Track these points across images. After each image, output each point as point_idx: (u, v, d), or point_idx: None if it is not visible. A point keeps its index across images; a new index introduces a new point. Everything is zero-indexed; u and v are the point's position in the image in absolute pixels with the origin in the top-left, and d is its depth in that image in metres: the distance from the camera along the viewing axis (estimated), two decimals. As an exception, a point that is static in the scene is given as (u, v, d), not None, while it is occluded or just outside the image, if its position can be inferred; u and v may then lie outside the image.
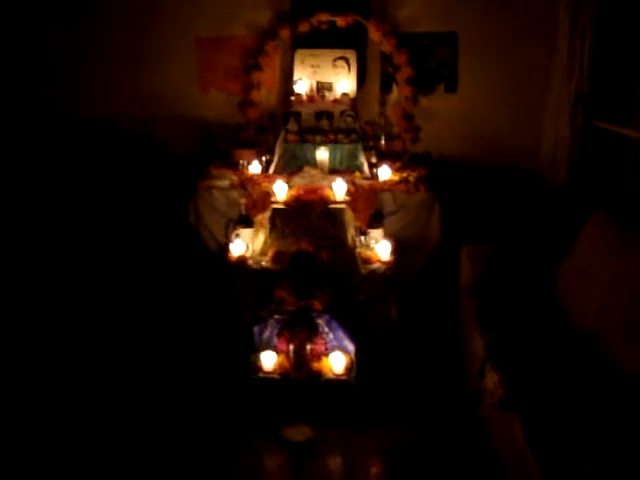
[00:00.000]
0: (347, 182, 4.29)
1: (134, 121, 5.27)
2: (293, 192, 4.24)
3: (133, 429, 3.55)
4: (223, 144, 5.14)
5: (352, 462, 3.45)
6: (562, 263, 4.06)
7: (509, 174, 5.25)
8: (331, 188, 4.27)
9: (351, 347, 3.77)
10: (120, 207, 5.12)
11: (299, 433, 3.54)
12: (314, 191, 4.25)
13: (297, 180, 4.39)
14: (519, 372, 3.27)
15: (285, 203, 4.18)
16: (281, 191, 4.21)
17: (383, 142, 5.04)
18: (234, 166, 4.89)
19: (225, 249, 4.37)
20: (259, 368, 3.67)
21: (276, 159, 4.77)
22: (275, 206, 4.18)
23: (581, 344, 3.51)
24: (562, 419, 2.90)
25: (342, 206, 4.15)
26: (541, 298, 4.02)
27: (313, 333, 3.73)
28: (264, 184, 4.49)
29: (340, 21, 4.96)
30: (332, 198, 4.20)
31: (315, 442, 3.49)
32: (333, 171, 4.65)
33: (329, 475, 3.42)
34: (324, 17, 4.96)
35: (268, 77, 5.21)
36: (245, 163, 4.80)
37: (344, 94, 4.89)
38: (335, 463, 3.48)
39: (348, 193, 4.24)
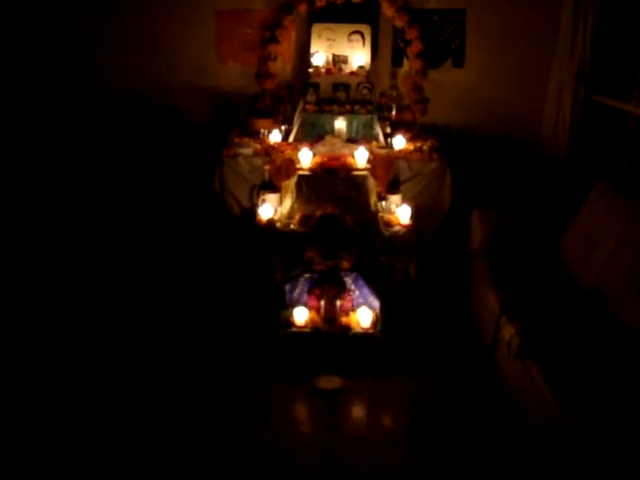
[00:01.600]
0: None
1: (156, 92, 5.50)
2: (317, 159, 4.48)
3: (172, 382, 3.83)
4: (241, 113, 5.34)
5: (378, 407, 3.75)
6: (567, 228, 4.39)
7: (513, 145, 5.55)
8: (352, 156, 4.52)
9: (376, 303, 4.07)
10: (144, 174, 5.32)
11: (330, 382, 3.85)
12: (337, 158, 4.50)
13: (319, 148, 4.63)
14: (533, 325, 3.60)
15: (310, 169, 4.43)
16: (306, 158, 4.46)
17: (394, 113, 5.28)
18: (254, 135, 5.11)
19: (252, 213, 4.64)
20: (291, 323, 3.95)
21: (295, 128, 5.00)
22: (301, 172, 4.42)
23: (587, 300, 3.85)
24: (574, 364, 3.25)
25: (364, 173, 4.40)
26: (547, 259, 4.35)
27: (342, 290, 4.01)
28: (287, 151, 4.73)
29: (355, -4, 5.17)
30: (354, 165, 4.45)
31: (344, 390, 3.81)
32: (350, 140, 4.90)
33: (358, 418, 3.73)
34: (339, -8, 5.17)
35: (284, 49, 5.42)
36: (266, 132, 5.02)
37: (360, 67, 5.13)
38: (363, 408, 3.78)
39: (368, 161, 4.49)
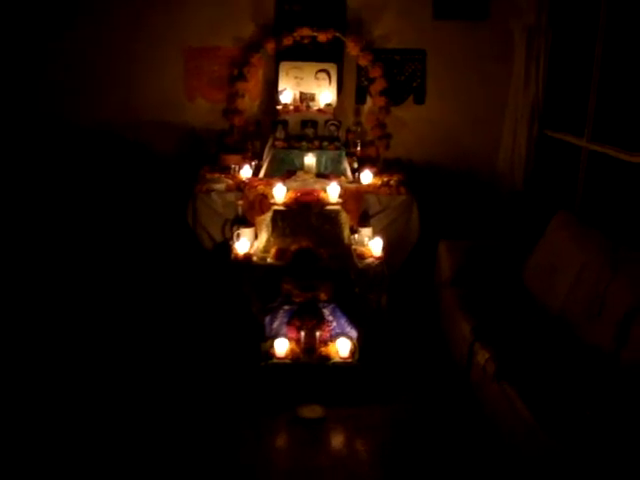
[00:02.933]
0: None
1: (123, 127, 5.56)
2: (291, 194, 4.61)
3: (153, 419, 3.83)
4: (212, 149, 5.45)
5: (360, 434, 3.84)
6: (530, 256, 4.62)
7: (473, 178, 5.81)
8: (324, 191, 4.67)
9: (353, 333, 4.20)
10: (111, 209, 5.37)
11: (312, 411, 3.94)
12: (309, 193, 4.64)
13: (292, 183, 4.77)
14: (506, 349, 3.79)
15: (285, 204, 4.55)
16: (280, 193, 4.58)
17: (359, 148, 5.46)
18: (224, 170, 5.22)
19: (225, 247, 4.73)
20: (272, 354, 4.04)
21: (266, 164, 5.12)
22: (276, 207, 4.54)
23: (553, 324, 4.08)
24: (546, 384, 3.44)
25: (337, 207, 4.55)
26: (513, 286, 4.57)
27: (320, 321, 4.13)
28: (260, 187, 4.84)
29: (321, 36, 5.36)
30: (327, 200, 4.60)
31: (326, 418, 3.90)
32: (319, 175, 5.04)
33: (340, 447, 3.82)
34: (306, 32, 5.35)
35: (252, 86, 5.57)
36: (236, 167, 5.13)
37: (327, 104, 5.31)
38: (345, 436, 3.87)
39: (340, 195, 4.64)
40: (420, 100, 5.77)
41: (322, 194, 4.65)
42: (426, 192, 5.29)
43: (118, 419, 3.79)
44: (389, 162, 5.61)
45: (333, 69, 5.43)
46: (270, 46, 5.39)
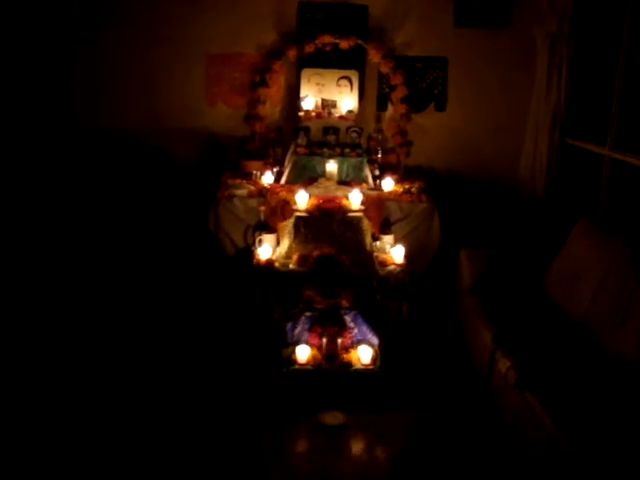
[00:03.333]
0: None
1: (145, 133, 5.60)
2: (313, 201, 4.63)
3: (175, 424, 3.87)
4: (233, 155, 5.49)
5: (381, 440, 3.85)
6: (551, 265, 4.61)
7: (494, 185, 5.81)
8: (346, 198, 4.68)
9: (375, 340, 4.22)
10: (134, 215, 5.42)
11: (333, 418, 3.95)
12: (332, 200, 4.65)
13: (314, 190, 4.78)
14: (527, 357, 3.79)
15: (307, 211, 4.57)
16: (303, 200, 4.60)
17: (380, 156, 5.47)
18: (245, 176, 5.25)
19: (247, 253, 4.76)
20: (293, 361, 4.06)
21: (287, 170, 5.15)
22: (298, 214, 4.56)
23: (575, 332, 4.07)
24: (568, 393, 3.44)
25: (359, 214, 4.56)
26: (534, 294, 4.57)
27: (342, 328, 4.15)
28: (282, 193, 4.87)
29: (343, 43, 5.38)
30: (349, 207, 4.61)
31: (347, 425, 3.91)
32: (341, 182, 5.06)
33: (360, 454, 3.83)
34: (328, 39, 5.38)
35: (273, 93, 5.59)
36: (258, 174, 5.16)
37: (349, 111, 5.33)
38: (366, 442, 3.88)
39: (362, 202, 4.65)
40: (441, 107, 5.78)
41: (344, 201, 4.65)
42: (447, 199, 5.29)
43: (140, 424, 3.82)
44: (410, 169, 5.62)
45: (355, 76, 5.45)
46: (292, 53, 5.42)
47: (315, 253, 4.46)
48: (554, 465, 3.29)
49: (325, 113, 5.31)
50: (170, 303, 5.06)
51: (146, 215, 5.44)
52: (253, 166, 5.27)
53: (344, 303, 4.23)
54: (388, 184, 5.09)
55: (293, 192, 4.79)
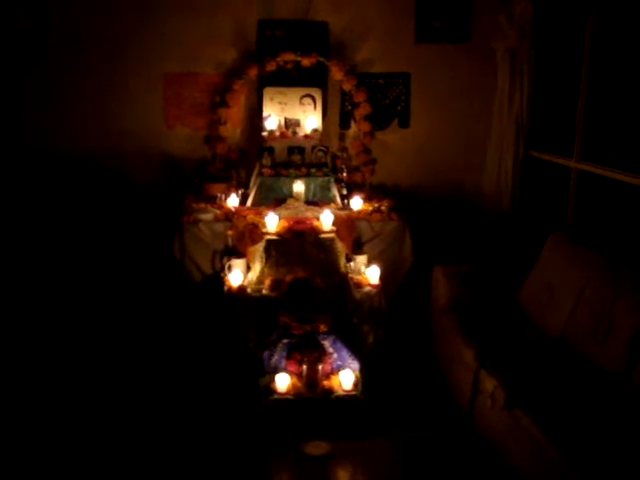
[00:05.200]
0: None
1: (102, 155, 5.37)
2: (283, 223, 4.50)
3: (149, 457, 3.68)
4: (195, 178, 5.31)
5: (368, 469, 3.71)
6: (525, 280, 4.57)
7: (458, 201, 5.77)
8: (317, 219, 4.57)
9: (355, 365, 4.07)
10: (91, 241, 5.18)
11: (318, 448, 3.78)
12: (302, 222, 4.53)
13: (283, 212, 4.65)
14: (514, 376, 3.72)
15: (278, 234, 4.43)
16: (272, 222, 4.46)
17: (345, 174, 5.38)
18: (209, 199, 5.08)
19: (215, 280, 4.59)
20: (273, 390, 3.89)
21: (253, 192, 5.00)
22: (269, 237, 4.41)
23: (556, 347, 4.02)
24: (561, 409, 3.39)
25: (331, 235, 4.45)
26: (509, 310, 4.52)
27: (322, 354, 4.00)
28: (249, 216, 4.71)
29: (304, 61, 5.28)
30: (320, 228, 4.49)
31: (333, 455, 3.76)
32: (308, 203, 4.94)
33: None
34: (289, 57, 5.27)
35: (234, 113, 5.45)
36: (222, 197, 5.00)
37: (314, 130, 5.22)
38: (354, 472, 3.73)
39: (333, 223, 4.54)
40: (405, 124, 5.72)
41: (315, 222, 4.54)
42: (414, 217, 5.20)
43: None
44: (374, 187, 5.53)
45: (318, 94, 5.34)
46: (253, 72, 5.29)
47: (288, 277, 4.33)
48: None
49: (289, 133, 5.20)
50: (135, 334, 4.83)
51: (104, 241, 5.20)
52: (217, 189, 5.11)
53: (322, 328, 4.08)
54: (357, 203, 4.99)
55: (261, 215, 4.66)
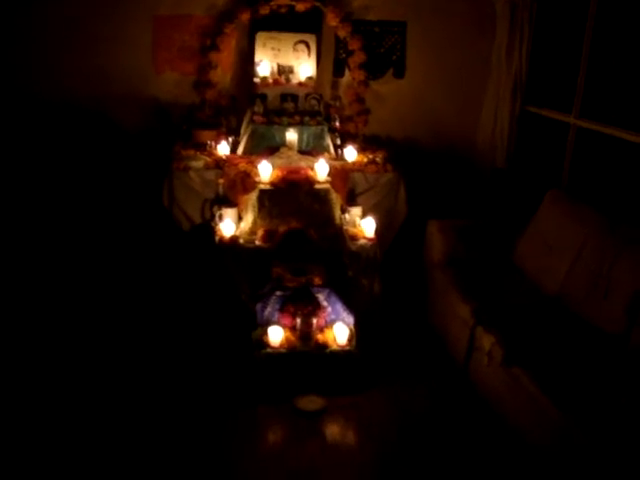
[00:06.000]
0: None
1: (89, 99, 5.12)
2: (277, 173, 4.35)
3: (152, 419, 3.58)
4: (184, 125, 5.11)
5: (362, 423, 3.67)
6: (521, 237, 4.50)
7: (452, 155, 5.64)
8: (311, 168, 4.43)
9: (350, 319, 3.99)
10: (80, 187, 5.02)
11: (311, 402, 3.73)
12: (296, 171, 4.39)
13: (276, 161, 4.49)
14: (512, 333, 3.66)
15: (271, 183, 4.29)
16: (266, 171, 4.32)
17: (338, 124, 5.22)
18: (198, 147, 4.89)
19: (206, 229, 4.45)
20: (266, 343, 3.80)
21: (244, 140, 4.83)
22: (262, 186, 4.27)
23: (553, 305, 3.97)
24: (558, 367, 3.36)
25: (326, 186, 4.32)
26: (504, 266, 4.45)
27: (317, 307, 3.91)
28: (241, 164, 4.56)
29: (299, 5, 5.06)
30: (315, 178, 4.36)
31: (327, 410, 3.70)
32: (301, 152, 4.78)
33: (342, 437, 3.63)
34: (283, 1, 5.05)
35: (225, 58, 5.22)
36: (213, 144, 4.82)
37: (308, 77, 5.03)
38: (348, 427, 3.68)
39: (328, 173, 4.41)
40: (400, 74, 5.54)
41: (310, 172, 4.40)
42: (408, 170, 5.08)
43: (107, 415, 3.53)
44: (367, 139, 5.38)
45: (312, 40, 5.14)
46: (245, 15, 5.06)
47: (282, 228, 4.21)
48: (545, 439, 3.21)
49: (283, 79, 5.00)
50: (124, 284, 4.70)
51: (92, 187, 5.03)
52: (206, 136, 4.92)
53: (316, 281, 3.98)
54: (351, 154, 4.85)
55: (253, 163, 4.52)
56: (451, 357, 4.18)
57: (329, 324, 3.96)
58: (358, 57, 5.25)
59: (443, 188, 5.51)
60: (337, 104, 5.32)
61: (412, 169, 5.16)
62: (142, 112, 5.26)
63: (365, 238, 4.30)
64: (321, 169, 4.36)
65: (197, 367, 3.97)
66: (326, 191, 4.29)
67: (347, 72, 5.42)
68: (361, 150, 5.01)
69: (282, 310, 3.92)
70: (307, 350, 3.82)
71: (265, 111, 4.87)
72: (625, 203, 4.39)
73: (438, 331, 4.44)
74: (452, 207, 5.25)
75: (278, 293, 3.94)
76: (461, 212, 5.14)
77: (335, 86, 5.50)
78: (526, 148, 5.49)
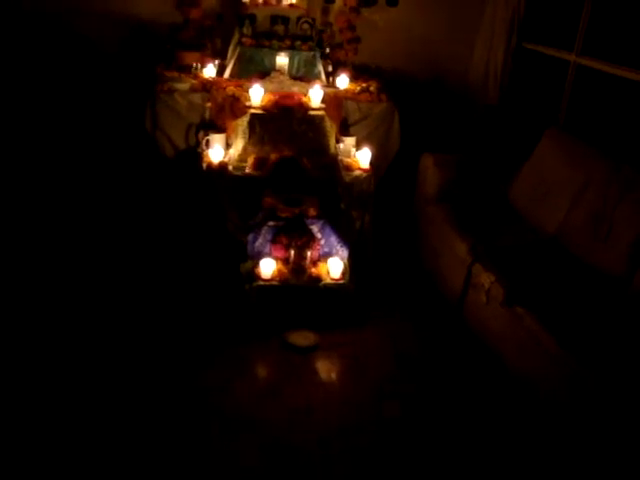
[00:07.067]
0: (318, 89, 4.23)
1: (62, 15, 4.75)
2: (269, 97, 4.11)
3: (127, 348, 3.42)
4: (167, 44, 4.79)
5: (356, 361, 3.54)
6: (517, 175, 4.37)
7: (443, 89, 5.45)
8: (304, 94, 4.20)
9: (344, 252, 3.84)
10: (55, 110, 4.69)
11: (304, 338, 3.59)
12: (290, 96, 4.15)
13: (267, 85, 4.24)
14: (510, 271, 3.56)
15: (263, 108, 4.05)
16: (257, 95, 4.07)
17: (328, 51, 4.96)
18: (182, 69, 4.60)
19: (191, 155, 4.21)
20: (257, 276, 3.63)
21: (232, 63, 4.55)
22: (253, 111, 4.03)
23: (550, 245, 3.87)
24: (562, 306, 3.28)
25: (321, 112, 4.10)
26: (499, 204, 4.33)
27: (311, 239, 3.73)
28: (229, 88, 4.29)
29: None
30: (309, 104, 4.13)
31: (319, 346, 3.57)
32: (293, 78, 4.53)
33: (337, 374, 3.51)
34: None
35: (210, -26, 4.90)
36: (199, 66, 4.54)
37: (301, -1, 4.75)
38: (341, 363, 3.55)
39: (322, 100, 4.18)
40: (392, 2, 5.27)
41: (303, 98, 4.17)
42: (398, 101, 4.88)
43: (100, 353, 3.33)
44: (356, 67, 5.14)
45: (304, -42, 4.84)
46: None
47: (274, 156, 3.99)
48: (546, 379, 3.15)
49: (273, 0, 4.70)
50: (104, 210, 4.44)
51: (66, 111, 4.70)
52: (191, 57, 4.63)
53: (311, 212, 3.80)
54: (343, 81, 4.62)
55: (242, 87, 4.25)
56: (441, 293, 4.08)
57: (322, 257, 3.80)
58: (351, -19, 4.97)
59: (433, 122, 5.32)
60: (327, 31, 5.05)
61: (402, 101, 4.95)
62: (121, 32, 4.94)
63: (360, 169, 4.12)
64: (315, 95, 4.13)
65: (184, 300, 3.77)
66: (321, 118, 4.07)
67: (338, -3, 5.14)
68: (353, 79, 4.78)
69: (274, 241, 3.74)
70: (300, 284, 3.66)
71: (254, 33, 4.59)
72: (626, 144, 4.28)
73: (428, 266, 4.32)
74: (443, 142, 5.08)
75: (270, 224, 3.75)
76: (452, 148, 4.97)
77: (326, 12, 5.21)
78: (521, 85, 5.32)
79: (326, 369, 3.49)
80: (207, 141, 4.09)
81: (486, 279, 3.59)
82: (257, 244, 3.76)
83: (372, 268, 4.17)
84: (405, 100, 5.05)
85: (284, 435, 2.93)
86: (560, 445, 2.98)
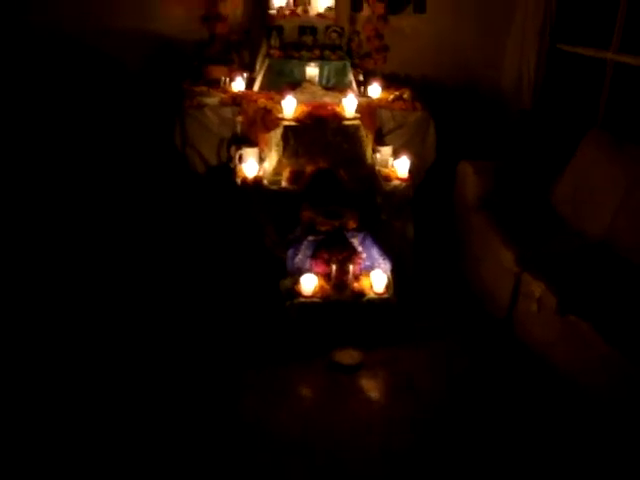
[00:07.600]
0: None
1: (87, 35, 4.68)
2: (302, 108, 4.01)
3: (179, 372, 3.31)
4: (195, 61, 4.71)
5: (402, 377, 3.40)
6: (559, 180, 4.23)
7: (475, 96, 5.32)
8: (337, 104, 4.09)
9: (386, 265, 3.71)
10: (80, 128, 4.63)
11: (349, 357, 3.45)
12: (323, 107, 4.05)
13: (299, 96, 4.13)
14: (560, 279, 3.41)
15: (296, 119, 3.95)
16: (290, 107, 3.97)
17: (357, 60, 4.86)
18: (210, 84, 4.50)
19: (224, 171, 4.11)
20: (297, 292, 3.50)
21: (261, 75, 4.45)
22: (286, 123, 3.93)
23: (599, 251, 3.71)
24: (617, 314, 3.13)
25: (356, 122, 3.99)
26: (542, 211, 4.19)
27: (352, 253, 3.61)
28: (260, 100, 4.19)
29: None
30: (343, 114, 4.02)
31: (364, 364, 3.43)
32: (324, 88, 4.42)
33: (384, 392, 3.37)
34: None
35: (235, -11, 4.82)
36: (227, 80, 4.45)
37: (328, 8, 4.63)
38: (388, 382, 3.42)
39: (356, 110, 4.07)
40: (421, 9, 5.16)
41: (337, 108, 4.06)
42: (432, 110, 4.76)
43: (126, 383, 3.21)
44: (385, 77, 5.02)
45: (330, -31, 4.73)
46: (257, -59, 4.65)
47: (309, 168, 3.88)
48: (607, 390, 3.01)
49: (301, 11, 4.60)
50: (140, 229, 4.35)
51: (92, 130, 4.63)
52: (219, 72, 4.53)
53: (351, 224, 3.67)
54: (375, 91, 4.51)
55: (273, 99, 4.15)
56: (482, 300, 3.96)
57: (363, 271, 3.67)
58: (378, -11, 4.87)
59: (467, 130, 5.18)
60: (355, 39, 4.94)
61: (435, 109, 4.83)
62: (146, 49, 4.84)
63: (399, 179, 3.99)
64: (349, 104, 4.02)
65: (222, 320, 3.66)
66: (356, 128, 3.96)
67: (366, 6, 5.03)
68: (384, 88, 4.67)
69: (315, 257, 3.61)
70: (342, 299, 3.53)
71: (282, 45, 4.49)
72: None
73: (469, 275, 4.18)
74: (477, 149, 4.93)
75: (310, 238, 3.63)
76: (486, 154, 4.82)
77: (353, 21, 5.11)
78: (555, 88, 5.18)
79: (373, 388, 3.35)
80: (240, 156, 3.98)
81: (537, 287, 3.46)
82: (297, 260, 3.63)
83: (413, 280, 4.02)
84: (437, 107, 4.93)
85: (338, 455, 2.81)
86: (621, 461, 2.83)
